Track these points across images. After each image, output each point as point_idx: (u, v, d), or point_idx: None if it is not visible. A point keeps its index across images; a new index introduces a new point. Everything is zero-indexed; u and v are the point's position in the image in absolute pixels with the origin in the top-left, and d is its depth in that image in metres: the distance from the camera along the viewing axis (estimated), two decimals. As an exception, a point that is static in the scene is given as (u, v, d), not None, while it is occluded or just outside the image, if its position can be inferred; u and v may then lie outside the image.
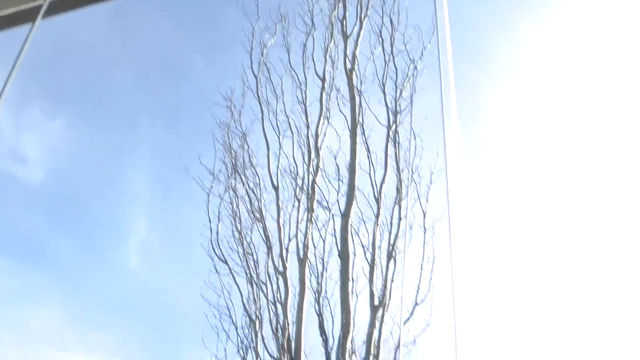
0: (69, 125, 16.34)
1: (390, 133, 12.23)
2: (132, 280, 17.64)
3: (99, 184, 16.69)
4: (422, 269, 11.66)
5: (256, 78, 13.43)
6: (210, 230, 12.78)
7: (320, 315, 11.42)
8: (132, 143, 17.05)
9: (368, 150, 12.18)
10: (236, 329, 12.22)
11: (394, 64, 12.53)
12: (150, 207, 17.48)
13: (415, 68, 12.48)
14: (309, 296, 11.79)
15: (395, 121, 12.27)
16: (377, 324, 11.28)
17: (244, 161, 13.15)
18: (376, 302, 11.38)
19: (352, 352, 11.17)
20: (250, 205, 12.81)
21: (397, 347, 11.28)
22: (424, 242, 11.77)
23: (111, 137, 16.76)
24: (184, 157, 15.48)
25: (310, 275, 11.82)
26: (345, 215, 11.91)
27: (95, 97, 16.46)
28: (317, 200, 12.32)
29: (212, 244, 12.66)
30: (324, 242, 11.86)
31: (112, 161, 16.60)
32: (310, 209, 12.34)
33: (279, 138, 12.98)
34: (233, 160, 13.19)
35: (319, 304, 11.48)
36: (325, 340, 11.17)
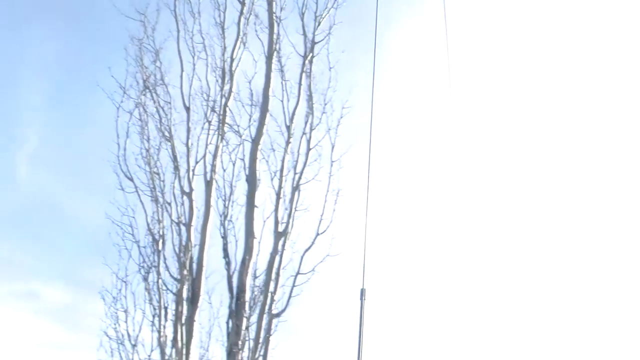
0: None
1: (306, 63, 12.24)
2: (22, 191, 17.13)
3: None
4: (326, 200, 11.95)
5: (174, -6, 13.05)
6: (118, 145, 12.59)
7: (224, 238, 11.57)
8: (29, 49, 16.30)
9: (283, 79, 12.18)
10: (139, 247, 12.26)
11: (315, -7, 12.43)
12: (45, 116, 16.87)
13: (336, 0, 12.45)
14: (214, 219, 11.92)
15: (312, 51, 12.28)
16: (280, 250, 11.56)
17: (155, 78, 12.91)
18: (280, 229, 11.62)
19: (254, 277, 11.44)
20: (160, 124, 12.66)
21: (297, 274, 11.61)
22: (330, 174, 12.03)
23: (5, 39, 15.96)
24: (92, 68, 15.04)
25: (218, 198, 11.91)
26: (255, 141, 11.94)
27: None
28: (228, 124, 12.30)
29: (119, 159, 12.50)
30: (233, 165, 11.91)
31: (3, 66, 15.83)
32: (220, 132, 12.32)
33: (193, 59, 12.76)
34: (144, 76, 12.92)
35: (224, 227, 11.61)
36: (228, 264, 11.37)
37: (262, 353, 11.08)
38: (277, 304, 11.33)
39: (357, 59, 13.46)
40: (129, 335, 11.83)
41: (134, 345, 11.67)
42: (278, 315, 11.28)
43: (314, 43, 12.32)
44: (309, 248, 11.61)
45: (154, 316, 11.66)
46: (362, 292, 4.94)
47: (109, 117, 12.78)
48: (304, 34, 12.36)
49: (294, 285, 11.45)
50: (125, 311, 12.02)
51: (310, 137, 12.02)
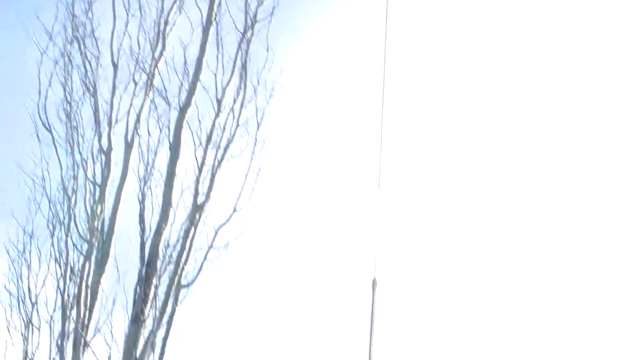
0: None
1: (244, 40, 12.17)
2: None
3: None
4: (246, 178, 12.00)
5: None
6: (39, 93, 12.11)
7: (142, 203, 11.41)
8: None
9: (219, 52, 12.05)
10: (49, 202, 11.89)
11: (261, -30, 12.34)
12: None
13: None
14: (132, 182, 11.71)
15: (251, 29, 12.21)
16: (196, 222, 11.52)
17: (85, 30, 12.48)
18: (199, 202, 11.58)
19: (166, 246, 11.37)
20: (85, 77, 12.28)
21: (210, 247, 11.63)
22: (253, 153, 12.08)
23: None
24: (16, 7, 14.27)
25: (139, 162, 11.71)
26: (183, 110, 11.78)
27: None
28: (157, 89, 12.09)
29: (38, 108, 12.03)
30: (160, 131, 11.73)
31: None
32: (147, 93, 12.09)
33: (127, 16, 12.41)
34: (74, 26, 12.46)
35: (142, 192, 11.45)
36: (143, 230, 11.23)
37: (166, 321, 11.06)
38: (187, 276, 11.33)
39: (292, 42, 13.60)
40: (29, 292, 11.49)
41: (34, 304, 11.34)
42: (187, 286, 11.29)
43: (254, 21, 12.26)
44: (224, 223, 11.63)
45: (59, 276, 11.38)
46: (374, 282, 5.06)
47: (31, 62, 12.27)
48: (246, 11, 12.28)
49: (205, 259, 11.47)
50: (29, 267, 11.66)
51: (239, 114, 12.00)
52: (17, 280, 11.67)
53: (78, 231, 11.54)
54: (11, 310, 11.61)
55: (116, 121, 12.18)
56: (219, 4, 12.22)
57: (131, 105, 12.09)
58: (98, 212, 11.52)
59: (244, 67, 12.13)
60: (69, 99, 12.12)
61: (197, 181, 11.63)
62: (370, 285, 4.82)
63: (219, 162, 11.82)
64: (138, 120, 11.94)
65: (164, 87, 12.06)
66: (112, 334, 11.20)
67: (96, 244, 11.37)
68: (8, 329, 11.87)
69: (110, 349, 11.04)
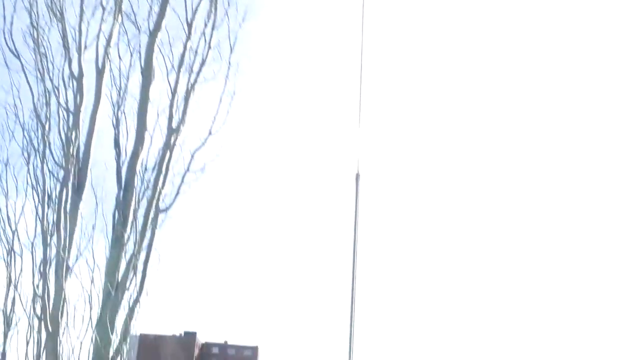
0: None
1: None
2: None
3: None
4: (221, 101, 12.00)
5: None
6: (4, 19, 11.82)
7: (116, 127, 11.38)
8: None
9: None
10: (23, 130, 11.79)
11: None
12: None
13: None
14: (105, 108, 11.63)
15: (219, -52, 12.00)
16: (172, 146, 11.54)
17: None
18: (174, 125, 11.57)
19: (143, 170, 11.40)
20: (51, 2, 11.99)
21: (186, 171, 11.69)
22: (227, 76, 12.04)
23: None
24: None
25: (112, 87, 11.62)
26: (153, 34, 11.65)
27: None
28: (126, 13, 11.90)
29: (4, 34, 11.76)
30: (131, 56, 11.61)
31: None
32: (116, 17, 11.89)
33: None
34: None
35: (116, 117, 11.41)
36: (119, 154, 11.24)
37: (147, 245, 11.18)
38: (164, 199, 11.41)
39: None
40: (9, 220, 11.51)
41: (14, 232, 11.37)
42: (165, 210, 11.39)
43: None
44: (200, 147, 11.69)
45: (37, 203, 11.39)
46: (357, 176, 5.19)
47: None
48: None
49: (182, 182, 11.55)
50: (6, 195, 11.66)
51: (211, 36, 11.90)
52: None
53: (53, 158, 11.51)
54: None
55: (85, 47, 11.97)
56: None
57: (100, 30, 11.88)
58: (73, 138, 11.44)
59: (213, -12, 11.98)
60: (35, 24, 11.86)
61: (171, 105, 11.61)
62: (353, 179, 4.93)
63: (192, 86, 11.79)
64: (108, 45, 11.76)
65: (133, 11, 11.90)
66: (94, 259, 11.32)
67: (72, 170, 11.33)
68: (-10, 257, 11.92)
69: (92, 272, 11.17)
